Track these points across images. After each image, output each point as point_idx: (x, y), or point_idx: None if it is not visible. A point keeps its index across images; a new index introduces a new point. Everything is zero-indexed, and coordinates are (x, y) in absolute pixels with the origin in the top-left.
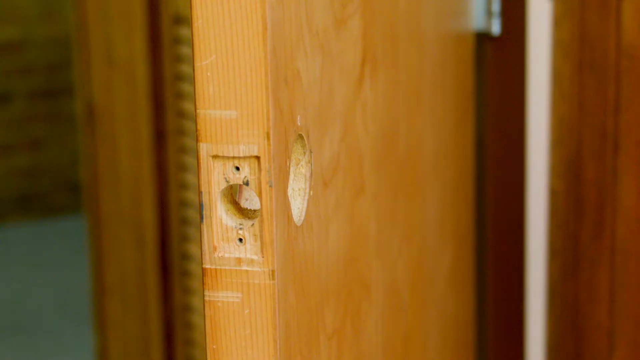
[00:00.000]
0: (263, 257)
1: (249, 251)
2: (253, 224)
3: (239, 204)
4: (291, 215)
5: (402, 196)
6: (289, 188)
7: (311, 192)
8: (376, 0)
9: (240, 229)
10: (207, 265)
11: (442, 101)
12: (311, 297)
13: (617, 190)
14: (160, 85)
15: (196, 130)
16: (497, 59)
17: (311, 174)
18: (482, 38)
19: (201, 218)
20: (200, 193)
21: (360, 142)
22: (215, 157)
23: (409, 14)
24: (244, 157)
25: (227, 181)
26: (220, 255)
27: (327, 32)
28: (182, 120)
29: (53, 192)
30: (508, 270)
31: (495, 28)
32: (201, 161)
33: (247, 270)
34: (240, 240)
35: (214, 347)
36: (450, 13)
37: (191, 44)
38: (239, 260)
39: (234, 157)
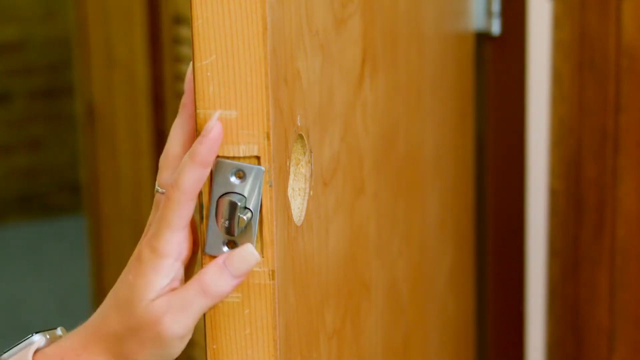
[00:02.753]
0: (263, 257)
1: None
2: None
3: None
4: (291, 215)
5: (402, 196)
6: (289, 188)
7: (311, 192)
8: (376, 0)
9: None
10: None
11: (442, 101)
12: (311, 297)
13: (617, 190)
14: (160, 85)
15: (196, 130)
16: (497, 59)
17: (311, 174)
18: (482, 38)
19: (201, 218)
20: (200, 193)
21: (360, 142)
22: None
23: (409, 14)
24: (244, 157)
25: None
26: None
27: (327, 32)
28: None
29: (53, 192)
30: (508, 270)
31: (495, 28)
32: None
33: None
34: None
35: (214, 347)
36: (450, 13)
37: (191, 44)
38: None
39: (234, 157)
